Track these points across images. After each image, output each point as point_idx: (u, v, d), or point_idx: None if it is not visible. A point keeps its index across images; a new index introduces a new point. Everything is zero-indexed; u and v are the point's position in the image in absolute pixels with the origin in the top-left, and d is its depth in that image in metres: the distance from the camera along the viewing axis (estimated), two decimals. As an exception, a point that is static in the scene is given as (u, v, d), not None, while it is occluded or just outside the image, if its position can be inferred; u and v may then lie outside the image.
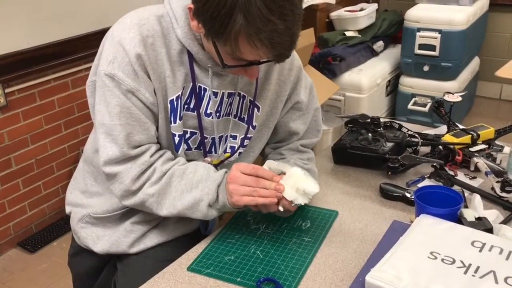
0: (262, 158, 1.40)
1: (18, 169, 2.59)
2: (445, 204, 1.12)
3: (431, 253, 0.94)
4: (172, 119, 1.14)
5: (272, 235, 1.20)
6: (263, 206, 1.12)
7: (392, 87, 3.66)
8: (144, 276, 1.13)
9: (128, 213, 1.25)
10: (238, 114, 1.24)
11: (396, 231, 1.04)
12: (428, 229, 1.01)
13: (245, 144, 1.27)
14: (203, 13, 0.96)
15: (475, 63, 3.90)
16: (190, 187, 1.11)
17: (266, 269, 1.08)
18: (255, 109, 1.25)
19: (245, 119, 1.24)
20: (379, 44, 3.64)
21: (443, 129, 1.64)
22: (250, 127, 1.25)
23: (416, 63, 3.46)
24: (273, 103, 1.28)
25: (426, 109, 3.48)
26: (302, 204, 1.11)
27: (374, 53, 3.59)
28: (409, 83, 3.57)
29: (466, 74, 3.65)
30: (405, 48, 3.49)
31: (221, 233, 1.22)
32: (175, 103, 1.13)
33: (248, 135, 1.25)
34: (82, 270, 1.38)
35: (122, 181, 1.11)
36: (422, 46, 3.39)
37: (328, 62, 3.24)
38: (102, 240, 1.26)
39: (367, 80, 3.27)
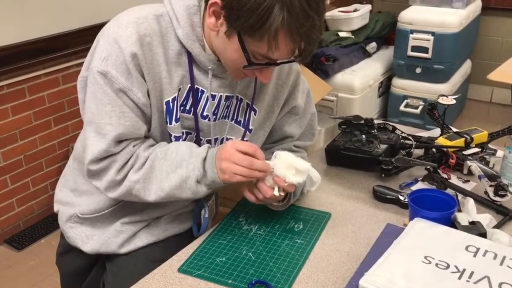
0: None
1: (6, 165, 2.55)
2: (439, 207, 1.11)
3: (425, 257, 0.93)
4: (168, 120, 1.12)
5: (264, 236, 1.18)
6: (258, 191, 1.11)
7: (385, 88, 3.66)
8: (133, 276, 1.11)
9: (118, 212, 1.23)
10: (235, 117, 1.22)
11: (390, 235, 1.04)
12: (422, 233, 1.01)
13: None
14: (238, 7, 0.95)
15: (467, 66, 3.92)
16: (175, 166, 1.09)
17: (258, 271, 1.07)
18: (252, 113, 1.23)
19: (242, 122, 1.23)
20: (372, 45, 3.64)
21: (436, 131, 1.64)
22: (247, 130, 1.23)
23: (409, 65, 3.47)
24: (270, 106, 1.26)
25: (418, 111, 3.49)
26: (298, 183, 1.10)
27: (367, 54, 3.59)
28: (401, 85, 3.57)
29: (458, 77, 3.66)
30: (398, 49, 3.49)
31: (213, 234, 1.20)
32: (171, 104, 1.11)
33: (244, 139, 1.24)
34: (70, 270, 1.36)
35: (107, 173, 1.09)
36: (414, 48, 3.40)
37: (321, 62, 3.23)
38: (91, 240, 1.24)
39: (359, 81, 3.27)
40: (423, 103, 3.48)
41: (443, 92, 3.36)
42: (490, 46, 4.10)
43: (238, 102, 1.20)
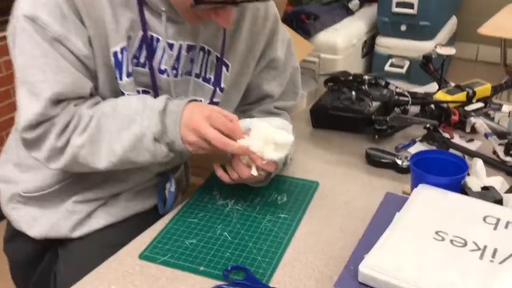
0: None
1: (-40, 140, 2.33)
2: (446, 171, 0.95)
3: (437, 233, 0.76)
4: (117, 75, 0.93)
5: (242, 212, 1.01)
6: (232, 169, 0.95)
7: (368, 48, 3.50)
8: (89, 264, 0.93)
9: (68, 189, 1.04)
10: (202, 74, 1.03)
11: (390, 205, 0.87)
12: (430, 202, 0.84)
13: None
14: None
15: (452, 22, 3.78)
16: (127, 123, 0.89)
17: (235, 254, 0.90)
18: (224, 68, 1.04)
19: (212, 80, 1.03)
20: (355, 3, 3.46)
21: (432, 87, 1.47)
22: (217, 90, 1.04)
23: (393, 22, 3.31)
24: (244, 60, 1.08)
25: (403, 70, 3.35)
26: (278, 158, 0.93)
27: (350, 12, 3.41)
28: (385, 43, 3.42)
29: (444, 34, 3.52)
30: (382, 6, 3.34)
31: (182, 211, 1.02)
32: (119, 56, 0.91)
33: (214, 99, 1.05)
34: (19, 258, 1.17)
35: (46, 140, 0.90)
36: (399, 4, 3.25)
37: (302, 21, 3.04)
38: (39, 223, 1.06)
39: (342, 41, 3.09)
40: (408, 62, 3.34)
41: (429, 50, 3.21)
42: (476, 2, 3.94)
43: (206, 55, 1.01)
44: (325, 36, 3.10)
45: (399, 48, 3.37)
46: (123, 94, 0.94)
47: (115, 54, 0.90)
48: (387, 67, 3.39)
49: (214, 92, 1.03)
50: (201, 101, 1.03)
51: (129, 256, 0.91)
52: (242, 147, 0.90)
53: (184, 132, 0.89)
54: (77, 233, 1.05)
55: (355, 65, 3.36)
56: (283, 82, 1.17)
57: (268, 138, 0.91)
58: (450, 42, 3.78)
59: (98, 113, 0.91)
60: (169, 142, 0.91)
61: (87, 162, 0.92)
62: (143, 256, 0.90)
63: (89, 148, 0.90)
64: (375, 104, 1.25)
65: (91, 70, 0.92)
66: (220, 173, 0.96)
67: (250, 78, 1.12)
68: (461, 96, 1.29)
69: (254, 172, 0.93)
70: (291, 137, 0.94)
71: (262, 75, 1.14)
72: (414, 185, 0.92)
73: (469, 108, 1.29)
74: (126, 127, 0.89)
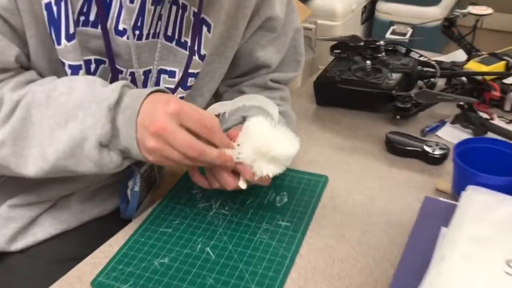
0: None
1: None
2: (495, 167, 0.72)
3: (508, 263, 0.53)
4: (54, 37, 0.67)
5: (230, 218, 0.78)
6: (214, 179, 0.71)
7: (368, 13, 3.27)
8: (33, 285, 0.72)
9: (3, 190, 0.80)
10: (176, 36, 0.78)
11: (432, 217, 0.64)
12: (487, 214, 0.61)
13: (188, 84, 0.82)
14: None
15: (458, -14, 3.53)
16: (65, 118, 0.65)
17: (221, 280, 0.67)
18: (204, 28, 0.80)
19: (188, 43, 0.79)
20: (354, -36, 3.19)
21: (458, 54, 1.24)
22: (196, 57, 0.80)
23: (395, -16, 3.08)
24: (231, 18, 0.83)
25: (406, 38, 3.12)
26: (273, 174, 0.70)
27: (348, -26, 3.14)
28: (387, 9, 3.21)
29: (449, -1, 3.29)
30: (383, -33, 3.09)
31: (151, 218, 0.79)
32: (54, 8, 0.66)
33: (191, 70, 0.80)
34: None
35: None
36: (402, -36, 3.01)
37: (297, -17, 2.77)
38: (-32, 231, 0.82)
39: (341, 5, 2.86)
40: (411, 30, 3.13)
41: (434, 16, 3.05)
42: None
43: (180, 11, 0.76)
44: (322, 1, 2.86)
45: (401, 14, 3.16)
46: (63, 64, 0.69)
47: (48, 6, 0.65)
48: (388, 35, 3.17)
49: (190, 59, 0.79)
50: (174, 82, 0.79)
51: (77, 283, 0.68)
52: (225, 157, 0.67)
53: (141, 134, 0.64)
54: (17, 245, 0.81)
55: (354, 32, 3.10)
56: (283, 48, 0.94)
57: (263, 146, 0.68)
58: (456, 7, 3.55)
59: (27, 98, 0.66)
60: (123, 149, 0.66)
61: (9, 165, 0.67)
62: (96, 284, 0.67)
63: (12, 148, 0.66)
64: (396, 76, 1.02)
65: (18, 30, 0.67)
66: (196, 177, 0.73)
67: (240, 43, 0.88)
68: (499, 66, 1.06)
69: (242, 185, 0.70)
70: (296, 147, 0.70)
71: (255, 39, 0.90)
72: (460, 185, 0.69)
73: (507, 81, 1.06)
74: (62, 124, 0.64)
